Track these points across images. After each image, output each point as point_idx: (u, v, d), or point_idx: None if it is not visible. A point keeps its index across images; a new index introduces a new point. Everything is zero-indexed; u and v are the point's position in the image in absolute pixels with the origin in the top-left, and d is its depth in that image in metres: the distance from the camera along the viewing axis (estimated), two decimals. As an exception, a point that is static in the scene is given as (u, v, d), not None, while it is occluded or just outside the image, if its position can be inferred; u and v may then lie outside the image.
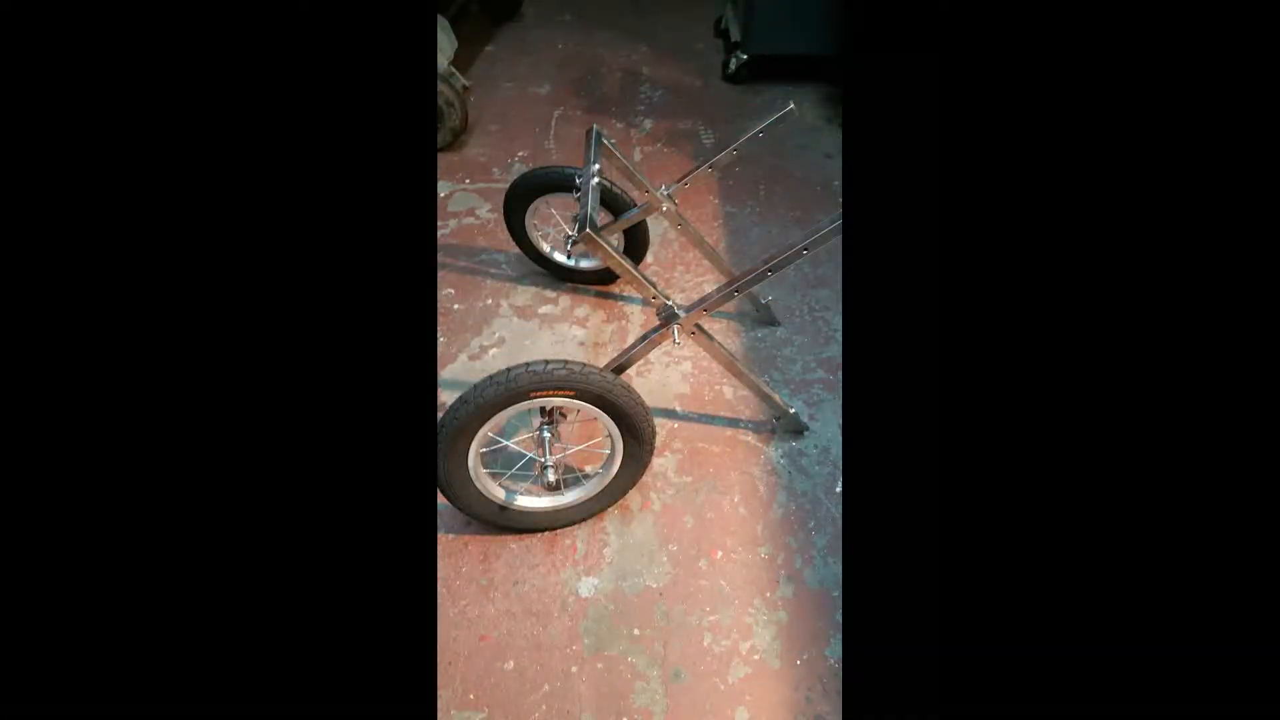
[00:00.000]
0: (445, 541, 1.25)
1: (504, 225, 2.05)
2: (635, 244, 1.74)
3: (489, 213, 2.11)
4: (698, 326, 1.15)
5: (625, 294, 1.81)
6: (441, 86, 2.24)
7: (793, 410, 1.39)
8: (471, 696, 1.05)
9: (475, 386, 1.02)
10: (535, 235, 1.76)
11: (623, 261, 1.05)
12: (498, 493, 1.19)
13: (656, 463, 1.40)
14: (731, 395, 1.53)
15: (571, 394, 1.04)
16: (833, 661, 1.09)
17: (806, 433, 1.44)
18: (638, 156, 2.40)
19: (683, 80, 2.90)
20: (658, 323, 1.16)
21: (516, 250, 1.96)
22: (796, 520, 1.29)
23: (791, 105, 1.46)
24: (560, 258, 1.79)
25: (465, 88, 2.37)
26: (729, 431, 1.46)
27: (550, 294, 1.82)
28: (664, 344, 1.26)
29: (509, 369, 1.03)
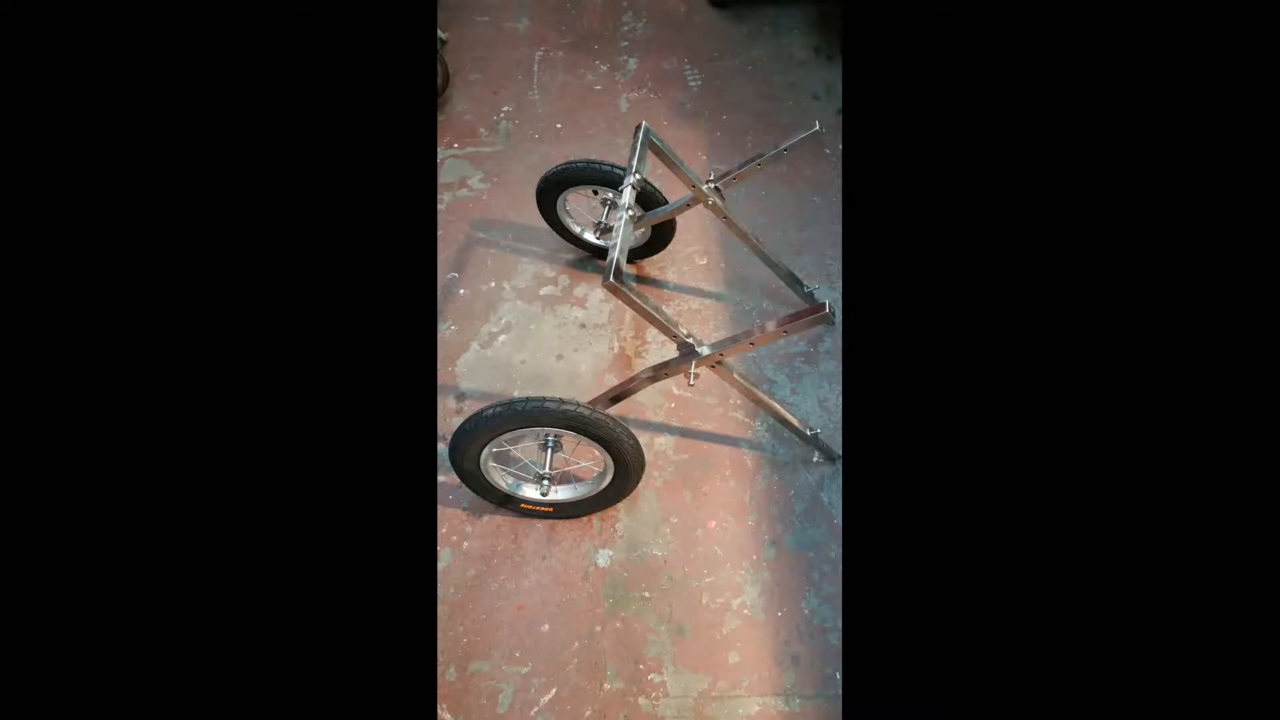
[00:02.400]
0: (480, 525, 1.47)
1: (497, 195, 2.11)
2: (663, 235, 1.81)
3: (481, 183, 2.15)
4: (719, 362, 1.23)
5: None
6: (419, 45, 2.18)
7: (815, 431, 1.46)
8: (517, 654, 1.31)
9: (498, 408, 1.19)
10: (568, 220, 1.84)
11: (646, 307, 1.16)
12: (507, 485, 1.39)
13: (657, 442, 1.59)
14: (722, 373, 1.69)
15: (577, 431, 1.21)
16: (807, 612, 1.34)
17: (837, 460, 1.52)
18: (624, 106, 2.38)
19: (666, 5, 2.76)
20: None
21: (511, 222, 2.04)
22: (778, 490, 1.50)
23: (817, 124, 1.48)
24: (590, 238, 1.88)
25: (444, 42, 2.30)
26: (720, 409, 1.64)
27: (549, 273, 1.91)
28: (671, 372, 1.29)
29: (528, 400, 1.19)
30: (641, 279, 1.90)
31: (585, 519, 1.47)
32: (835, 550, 1.41)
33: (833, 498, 1.49)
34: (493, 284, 1.90)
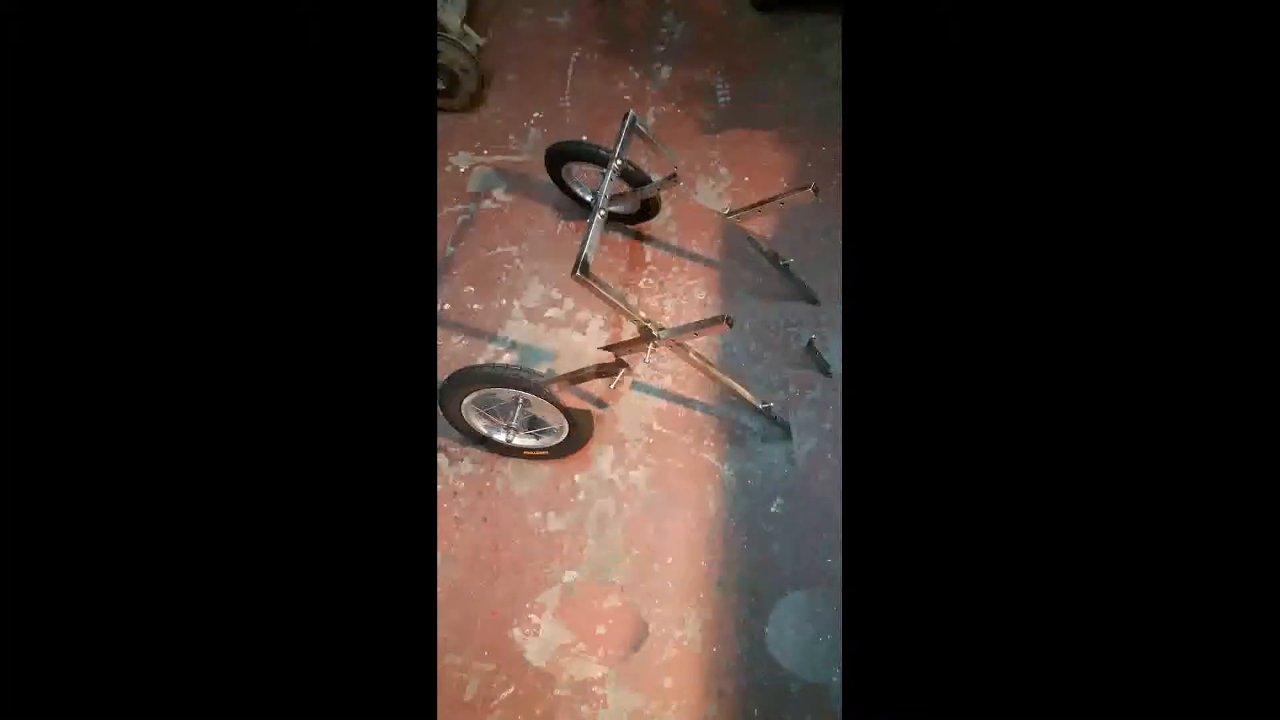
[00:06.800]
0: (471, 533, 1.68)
1: (518, 210, 2.25)
2: (647, 208, 2.03)
3: (505, 194, 2.26)
4: (677, 343, 1.39)
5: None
6: (454, 53, 2.25)
7: (769, 404, 1.65)
8: (491, 661, 1.53)
9: (477, 367, 1.44)
10: (573, 185, 2.08)
11: (611, 298, 1.32)
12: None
13: (632, 475, 1.74)
14: (701, 416, 1.81)
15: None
16: (739, 653, 1.51)
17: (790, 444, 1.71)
18: (651, 119, 2.41)
19: (708, 8, 2.72)
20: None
21: (529, 240, 2.16)
22: (733, 534, 1.65)
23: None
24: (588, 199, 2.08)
25: (479, 47, 2.35)
26: (693, 450, 1.77)
27: (556, 295, 2.04)
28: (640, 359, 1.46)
29: (514, 368, 1.43)
30: (641, 236, 2.11)
31: (559, 541, 1.66)
32: (770, 598, 1.56)
33: (784, 549, 1.62)
34: (503, 301, 2.04)
